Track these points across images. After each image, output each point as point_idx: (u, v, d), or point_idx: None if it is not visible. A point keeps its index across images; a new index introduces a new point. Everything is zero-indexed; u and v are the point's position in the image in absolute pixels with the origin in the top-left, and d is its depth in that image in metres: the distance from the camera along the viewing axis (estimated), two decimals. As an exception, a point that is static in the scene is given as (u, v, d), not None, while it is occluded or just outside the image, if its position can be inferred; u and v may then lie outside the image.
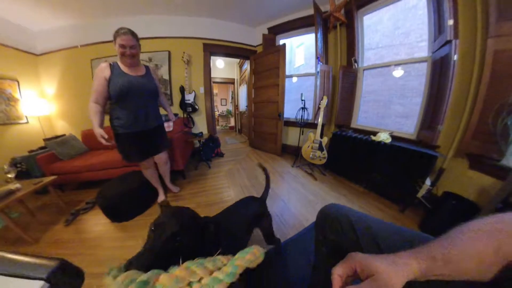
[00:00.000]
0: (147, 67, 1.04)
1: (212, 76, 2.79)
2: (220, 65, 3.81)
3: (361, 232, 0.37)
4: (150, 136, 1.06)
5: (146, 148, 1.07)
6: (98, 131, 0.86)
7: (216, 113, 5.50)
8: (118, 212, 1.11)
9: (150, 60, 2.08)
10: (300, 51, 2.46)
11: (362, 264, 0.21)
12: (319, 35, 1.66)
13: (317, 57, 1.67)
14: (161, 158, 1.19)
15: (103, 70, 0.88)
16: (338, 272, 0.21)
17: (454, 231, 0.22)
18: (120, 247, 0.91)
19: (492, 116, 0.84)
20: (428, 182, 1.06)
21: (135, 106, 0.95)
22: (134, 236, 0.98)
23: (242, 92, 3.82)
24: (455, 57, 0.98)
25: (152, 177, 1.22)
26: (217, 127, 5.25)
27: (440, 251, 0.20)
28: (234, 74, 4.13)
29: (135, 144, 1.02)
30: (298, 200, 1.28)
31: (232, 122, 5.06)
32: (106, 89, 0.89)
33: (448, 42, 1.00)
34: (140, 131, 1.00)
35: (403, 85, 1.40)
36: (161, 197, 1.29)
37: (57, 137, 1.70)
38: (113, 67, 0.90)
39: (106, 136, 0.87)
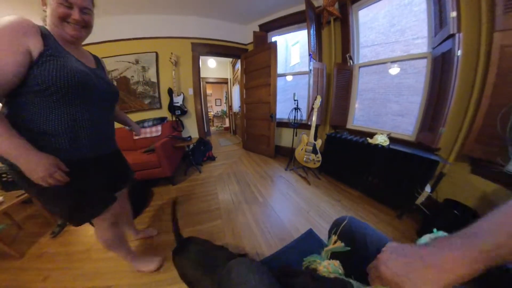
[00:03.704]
0: (96, 57, 0.64)
1: (204, 76, 2.72)
2: (212, 65, 3.71)
3: (372, 245, 0.34)
4: (113, 163, 0.65)
5: (112, 182, 0.64)
6: (48, 161, 0.41)
7: (211, 114, 5.42)
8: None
9: (137, 61, 1.99)
10: (296, 49, 2.37)
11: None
12: (312, 31, 1.57)
13: (309, 54, 1.57)
14: (123, 194, 0.78)
15: (25, 31, 0.40)
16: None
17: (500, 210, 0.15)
18: (108, 259, 0.86)
19: (499, 118, 0.76)
20: (428, 188, 0.99)
21: (97, 115, 0.53)
22: None
23: (236, 92, 3.73)
24: (459, 53, 0.89)
25: (122, 238, 0.70)
26: (212, 128, 5.19)
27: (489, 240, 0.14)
28: (227, 74, 4.03)
29: (97, 179, 0.55)
30: (288, 208, 1.21)
31: (227, 123, 4.98)
32: (21, 70, 0.40)
33: (451, 36, 0.91)
34: (99, 156, 0.56)
35: (399, 83, 1.35)
36: (147, 267, 0.77)
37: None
38: (46, 36, 0.44)
39: (64, 168, 0.44)
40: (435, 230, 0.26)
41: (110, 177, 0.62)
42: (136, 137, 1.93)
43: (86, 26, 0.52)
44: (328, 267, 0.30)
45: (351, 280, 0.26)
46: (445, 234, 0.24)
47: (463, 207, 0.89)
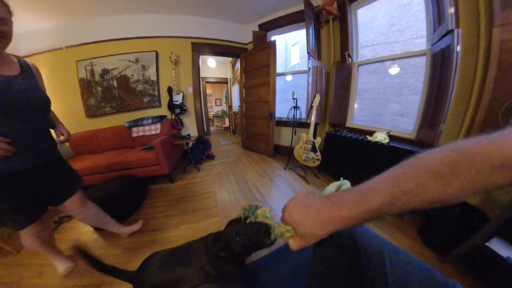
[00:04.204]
0: (23, 63, 0.60)
1: (204, 76, 2.74)
2: (212, 64, 3.74)
3: (367, 252, 0.29)
4: (45, 176, 0.62)
5: (40, 198, 0.62)
6: None
7: (211, 114, 5.45)
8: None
9: (137, 60, 2.01)
10: (296, 49, 2.38)
11: (292, 224, 0.25)
12: (310, 30, 1.58)
13: (308, 52, 1.58)
14: (74, 202, 0.73)
15: None
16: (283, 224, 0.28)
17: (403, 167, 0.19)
18: (103, 256, 0.83)
19: (501, 113, 0.75)
20: (428, 186, 0.97)
21: (18, 128, 0.53)
22: (117, 245, 0.92)
23: (235, 91, 3.75)
24: (458, 48, 0.88)
25: (46, 243, 0.71)
26: (212, 128, 5.21)
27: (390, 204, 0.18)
28: (227, 74, 4.06)
29: (18, 195, 0.55)
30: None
31: (227, 123, 4.99)
32: None
33: (450, 31, 0.90)
34: (26, 169, 0.56)
35: (399, 82, 1.35)
36: (62, 266, 0.75)
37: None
38: None
39: (3, 139, 0.48)
40: (341, 178, 0.32)
41: (41, 189, 0.62)
42: (135, 135, 1.94)
43: (3, 36, 0.51)
44: (259, 214, 0.36)
45: (271, 222, 0.33)
46: (348, 183, 0.29)
47: (464, 204, 0.86)
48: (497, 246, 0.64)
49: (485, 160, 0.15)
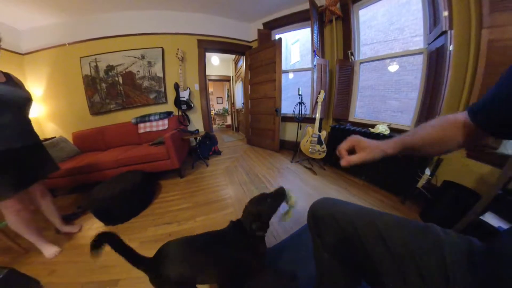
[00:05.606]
0: (7, 74, 0.79)
1: (207, 73, 2.77)
2: (216, 62, 3.77)
3: (362, 229, 0.34)
4: (24, 156, 0.75)
5: (22, 172, 0.74)
6: None
7: (213, 112, 5.45)
8: (111, 214, 1.05)
9: (143, 57, 2.01)
10: (296, 48, 2.45)
11: (357, 141, 0.38)
12: (315, 29, 1.65)
13: (313, 51, 1.65)
14: (40, 185, 0.88)
15: None
16: (344, 147, 0.38)
17: (414, 130, 0.34)
18: (115, 252, 0.86)
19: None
20: (427, 172, 1.06)
21: (3, 117, 0.69)
22: (130, 239, 0.92)
23: (238, 89, 3.79)
24: (451, 47, 0.98)
25: (28, 224, 0.80)
26: (214, 126, 5.20)
27: (408, 139, 0.34)
28: (230, 71, 4.09)
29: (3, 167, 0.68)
30: (299, 195, 1.26)
31: (228, 121, 5.01)
32: None
33: (444, 32, 1.00)
34: (6, 149, 0.69)
35: (398, 80, 1.42)
36: (48, 251, 0.84)
37: (45, 140, 1.61)
38: None
39: None
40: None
41: (23, 167, 0.75)
42: (141, 131, 1.94)
43: None
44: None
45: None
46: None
47: (460, 187, 0.96)
48: (490, 219, 0.74)
49: (408, 142, 0.33)
